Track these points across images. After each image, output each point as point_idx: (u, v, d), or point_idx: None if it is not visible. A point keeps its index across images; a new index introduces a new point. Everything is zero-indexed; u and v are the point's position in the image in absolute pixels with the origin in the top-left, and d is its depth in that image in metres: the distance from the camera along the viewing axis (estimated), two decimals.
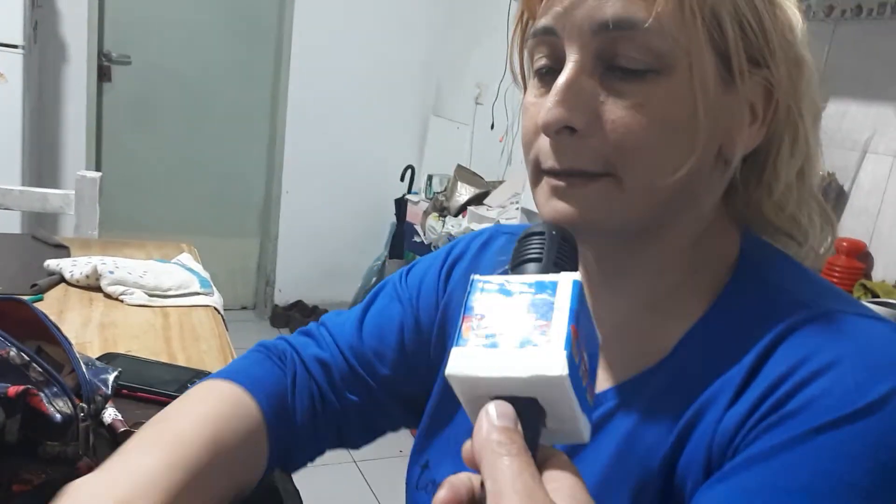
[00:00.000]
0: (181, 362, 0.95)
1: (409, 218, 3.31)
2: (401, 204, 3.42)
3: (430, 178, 3.27)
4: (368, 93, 3.56)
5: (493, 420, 0.34)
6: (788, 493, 0.41)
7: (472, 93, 3.30)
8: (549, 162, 0.49)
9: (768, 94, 0.49)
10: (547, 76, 0.50)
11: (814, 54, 0.50)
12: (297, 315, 3.53)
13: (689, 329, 0.51)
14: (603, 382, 0.54)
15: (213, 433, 0.55)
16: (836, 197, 1.76)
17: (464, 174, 2.98)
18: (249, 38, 3.46)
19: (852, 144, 1.76)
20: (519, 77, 0.55)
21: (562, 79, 0.47)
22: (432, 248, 2.80)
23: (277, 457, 0.62)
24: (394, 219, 3.50)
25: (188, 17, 3.32)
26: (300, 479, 0.66)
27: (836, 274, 1.63)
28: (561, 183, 0.49)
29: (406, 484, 0.66)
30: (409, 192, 3.46)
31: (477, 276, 0.40)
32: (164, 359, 0.95)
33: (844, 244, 1.66)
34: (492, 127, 3.15)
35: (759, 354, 0.46)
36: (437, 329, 0.67)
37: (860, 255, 1.66)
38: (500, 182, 2.95)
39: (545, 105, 0.47)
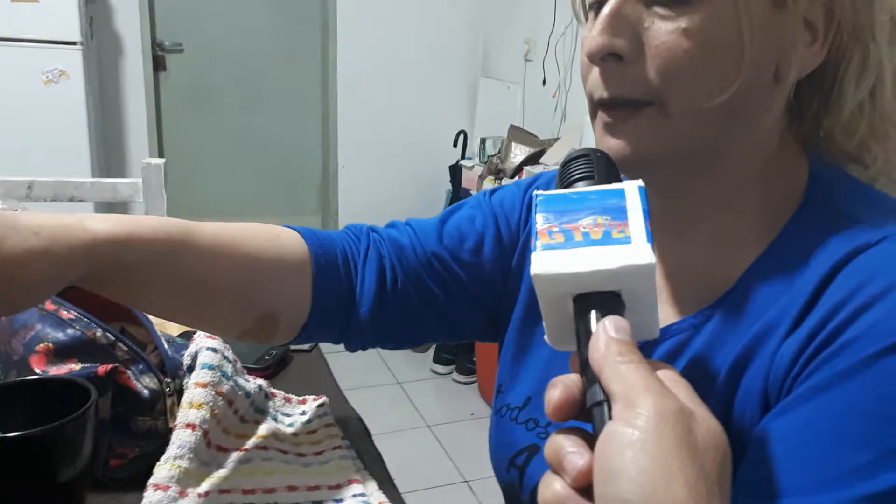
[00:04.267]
0: None
1: (464, 184, 3.29)
2: (455, 170, 3.39)
3: (482, 141, 3.23)
4: (416, 60, 3.53)
5: (611, 333, 0.37)
6: (852, 420, 0.41)
7: (520, 50, 3.23)
8: (598, 92, 0.51)
9: (829, 13, 0.48)
10: (600, 9, 0.50)
11: None
12: None
13: (754, 261, 0.51)
14: (668, 317, 0.54)
15: (233, 233, 0.59)
16: None
17: (517, 134, 2.94)
18: (295, 13, 3.47)
19: None
20: (581, 14, 0.55)
21: (607, 7, 0.48)
22: None
23: (326, 310, 0.64)
24: (449, 186, 3.49)
25: (234, 1, 3.35)
26: (378, 445, 0.69)
27: None
28: (610, 119, 0.50)
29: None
30: (463, 157, 3.43)
31: (538, 192, 0.43)
32: None
33: None
34: (543, 83, 3.08)
35: (819, 283, 0.46)
36: (518, 249, 0.67)
37: None
38: (556, 139, 2.89)
39: (591, 34, 0.49)
